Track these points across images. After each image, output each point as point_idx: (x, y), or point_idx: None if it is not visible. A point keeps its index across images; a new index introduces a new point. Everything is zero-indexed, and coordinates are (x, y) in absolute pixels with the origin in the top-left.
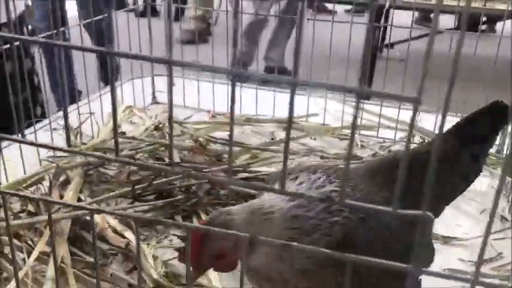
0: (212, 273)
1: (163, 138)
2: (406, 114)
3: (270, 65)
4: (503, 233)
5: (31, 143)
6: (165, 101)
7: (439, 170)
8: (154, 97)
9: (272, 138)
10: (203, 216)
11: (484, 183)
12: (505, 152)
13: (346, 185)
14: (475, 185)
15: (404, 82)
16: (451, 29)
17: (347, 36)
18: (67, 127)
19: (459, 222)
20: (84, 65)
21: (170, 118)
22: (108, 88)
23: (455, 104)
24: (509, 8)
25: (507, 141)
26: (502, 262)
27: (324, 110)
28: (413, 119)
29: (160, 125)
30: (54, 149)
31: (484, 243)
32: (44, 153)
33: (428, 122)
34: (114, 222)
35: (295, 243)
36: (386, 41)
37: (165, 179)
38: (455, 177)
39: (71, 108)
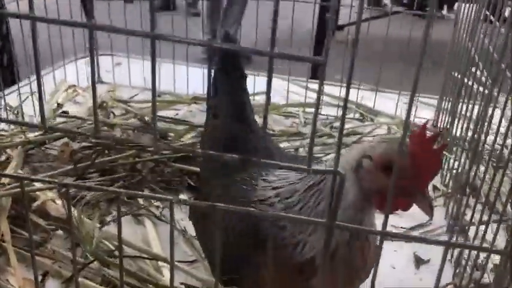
0: (153, 240)
1: (107, 117)
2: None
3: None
4: (434, 201)
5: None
6: (110, 80)
7: None
8: (99, 76)
9: None
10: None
11: None
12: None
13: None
14: None
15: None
16: (400, 13)
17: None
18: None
19: None
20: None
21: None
22: (50, 68)
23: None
24: None
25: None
26: (432, 227)
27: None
28: (321, 78)
29: (105, 104)
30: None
31: None
32: None
33: (369, 100)
34: (56, 198)
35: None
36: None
37: (108, 158)
38: None
39: (12, 88)
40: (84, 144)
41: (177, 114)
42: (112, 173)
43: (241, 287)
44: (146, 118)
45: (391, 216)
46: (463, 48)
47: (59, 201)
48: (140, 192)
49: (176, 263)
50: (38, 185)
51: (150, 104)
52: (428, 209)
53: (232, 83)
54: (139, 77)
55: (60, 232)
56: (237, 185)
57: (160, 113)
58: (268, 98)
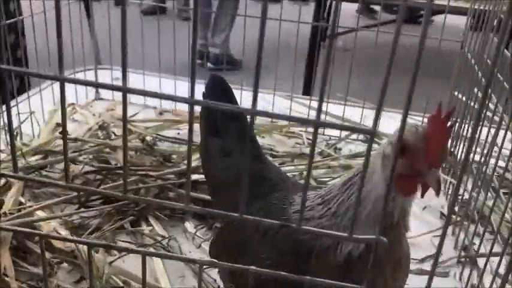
0: (161, 275)
1: (108, 138)
2: (351, 111)
3: (215, 52)
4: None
5: None
6: (109, 96)
7: None
8: (97, 92)
9: None
10: (152, 222)
11: None
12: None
13: (303, 211)
14: None
15: (350, 73)
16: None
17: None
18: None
19: None
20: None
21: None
22: (47, 82)
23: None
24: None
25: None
26: (442, 259)
27: (272, 107)
28: (369, 148)
29: (105, 124)
30: None
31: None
32: None
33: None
34: (59, 227)
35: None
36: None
37: (111, 184)
38: None
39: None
40: (86, 168)
41: (178, 133)
42: (115, 200)
43: None
44: (149, 138)
45: None
46: (470, 69)
47: (62, 232)
48: (174, 255)
49: None
50: (40, 214)
51: (152, 124)
52: (435, 185)
53: (235, 120)
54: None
55: (65, 265)
56: (274, 206)
57: (161, 133)
58: (309, 173)
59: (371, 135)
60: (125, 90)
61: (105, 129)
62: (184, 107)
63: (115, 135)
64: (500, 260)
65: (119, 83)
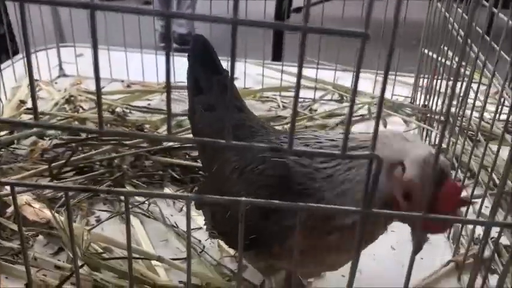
0: (142, 238)
1: (76, 112)
2: (323, 74)
3: (181, 32)
4: None
5: None
6: (73, 73)
7: None
8: (61, 69)
9: None
10: (130, 189)
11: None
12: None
13: (293, 133)
14: None
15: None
16: None
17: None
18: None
19: None
20: None
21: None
22: (8, 62)
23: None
24: None
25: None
26: None
27: (244, 74)
28: (361, 54)
29: (72, 98)
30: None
31: None
32: None
33: (346, 80)
34: (31, 200)
35: None
36: (294, 5)
37: (83, 155)
38: None
39: None
40: (55, 141)
41: (149, 104)
42: (89, 171)
43: (262, 245)
44: (118, 110)
45: None
46: (439, 24)
47: (36, 205)
48: (161, 193)
49: (170, 261)
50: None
51: (120, 96)
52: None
53: (216, 74)
54: (105, 68)
55: (40, 238)
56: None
57: (132, 104)
58: (297, 97)
59: (364, 38)
60: (93, 7)
61: (72, 103)
62: (153, 79)
63: (83, 109)
64: (483, 201)
65: (83, 59)
